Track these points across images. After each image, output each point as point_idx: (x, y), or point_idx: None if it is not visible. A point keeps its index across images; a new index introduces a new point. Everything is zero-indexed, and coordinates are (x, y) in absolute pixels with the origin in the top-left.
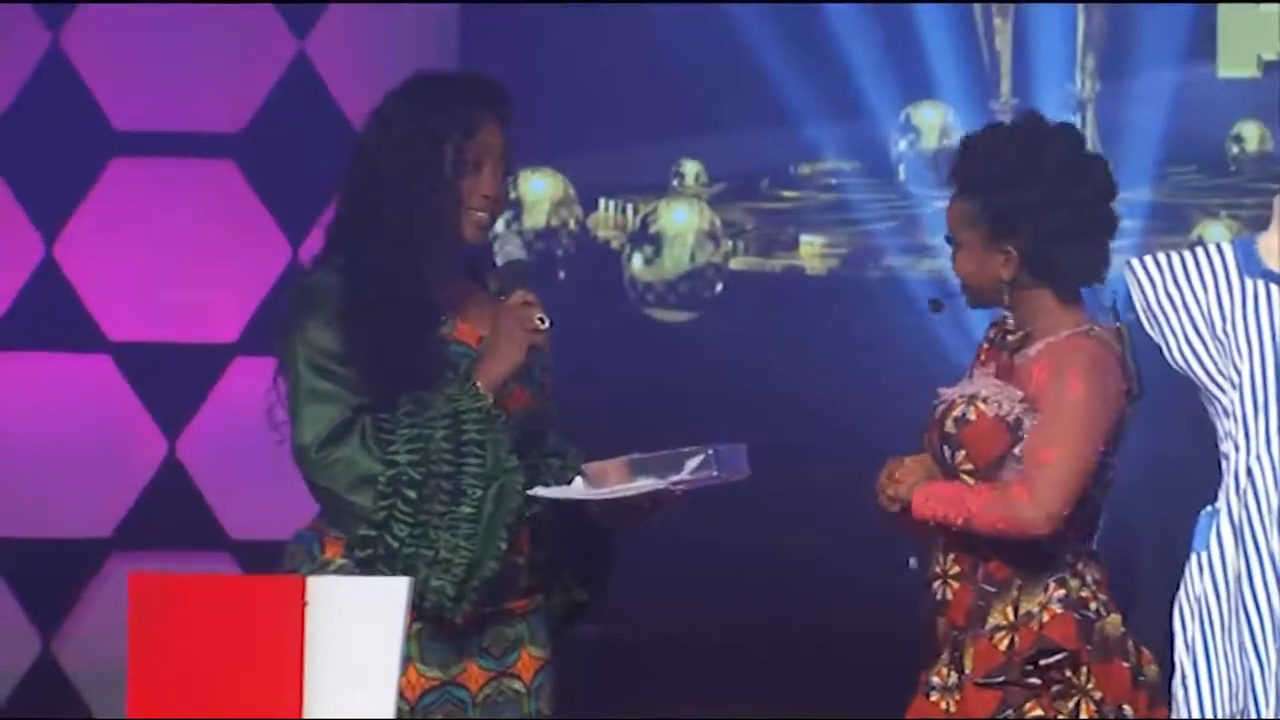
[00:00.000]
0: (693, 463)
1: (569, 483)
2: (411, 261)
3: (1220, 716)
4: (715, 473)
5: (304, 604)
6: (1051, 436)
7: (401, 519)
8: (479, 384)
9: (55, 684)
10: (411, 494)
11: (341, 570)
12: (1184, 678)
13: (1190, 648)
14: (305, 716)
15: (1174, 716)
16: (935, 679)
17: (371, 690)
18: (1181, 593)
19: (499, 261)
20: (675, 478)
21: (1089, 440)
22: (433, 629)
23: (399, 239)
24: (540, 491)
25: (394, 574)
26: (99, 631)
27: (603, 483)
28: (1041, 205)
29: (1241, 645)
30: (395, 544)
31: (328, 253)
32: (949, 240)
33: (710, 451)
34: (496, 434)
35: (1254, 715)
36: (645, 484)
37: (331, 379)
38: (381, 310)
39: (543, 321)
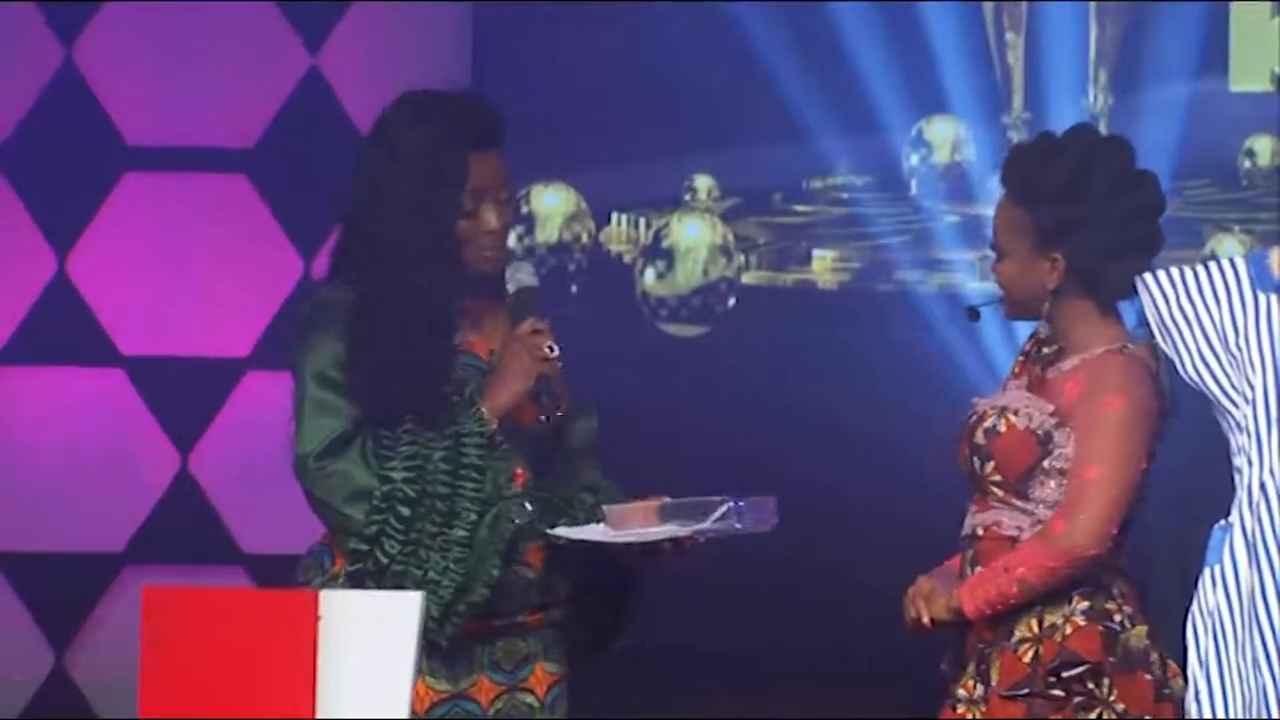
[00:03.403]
0: (716, 513)
1: (600, 519)
2: (424, 280)
3: None
4: (738, 525)
5: (317, 618)
6: (1094, 454)
7: (393, 535)
8: (483, 409)
9: (68, 697)
10: (405, 511)
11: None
12: (1197, 692)
13: (1204, 662)
14: None
15: None
16: (962, 691)
17: (384, 705)
18: (1195, 607)
19: (510, 289)
20: (697, 527)
21: (1132, 457)
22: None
23: (410, 262)
24: (561, 532)
25: (382, 590)
26: (112, 645)
27: (624, 526)
28: (1094, 216)
29: (1255, 660)
30: (385, 560)
31: (338, 268)
32: (994, 249)
33: (732, 504)
34: (498, 460)
35: None
36: (666, 531)
37: (336, 392)
38: (392, 326)
39: (551, 350)
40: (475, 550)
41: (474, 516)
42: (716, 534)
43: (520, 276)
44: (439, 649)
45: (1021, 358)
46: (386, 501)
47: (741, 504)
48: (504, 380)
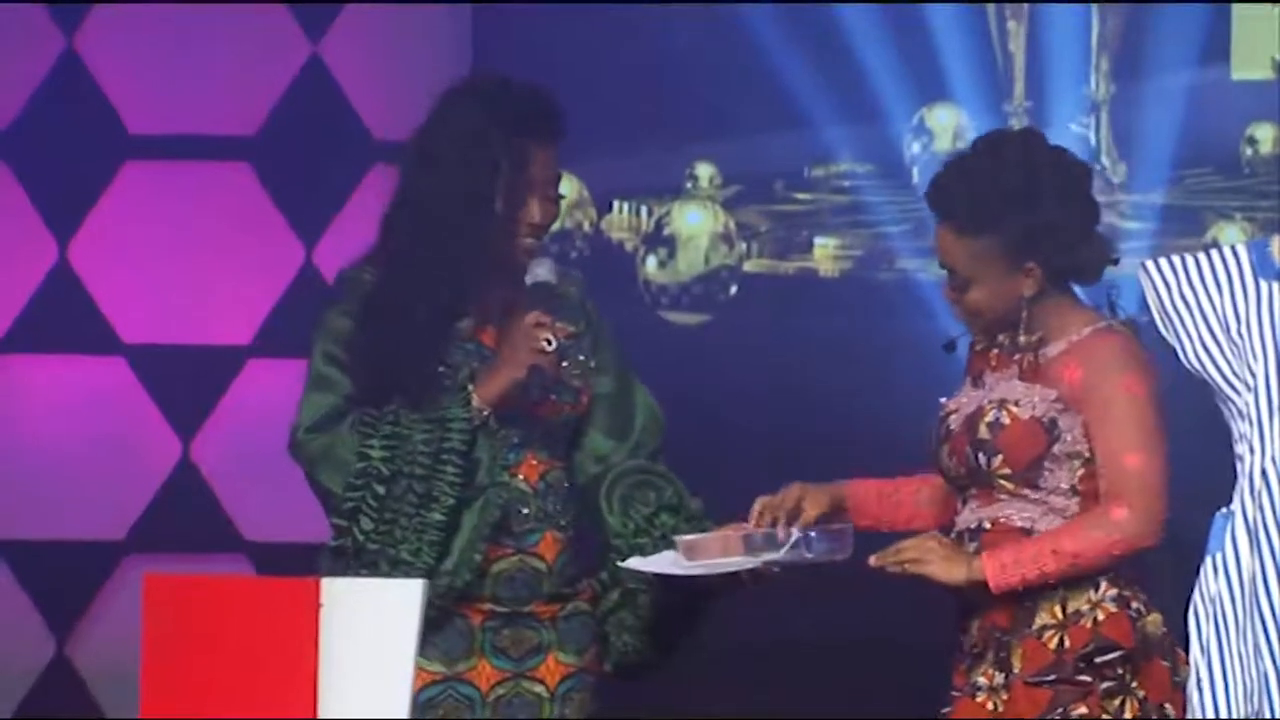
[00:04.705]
0: (788, 543)
1: (673, 544)
2: (449, 271)
3: (1235, 718)
4: (809, 554)
5: (319, 605)
6: (1129, 439)
7: (368, 513)
8: (473, 395)
9: (70, 686)
10: (380, 489)
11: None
12: (1199, 680)
13: (1205, 649)
14: (319, 717)
15: (1189, 718)
16: (981, 679)
17: (385, 691)
18: (1196, 594)
19: (528, 281)
20: (769, 557)
21: (1162, 436)
22: (436, 624)
23: (443, 248)
24: (633, 563)
25: (359, 567)
26: (113, 633)
27: (697, 556)
28: (1055, 215)
29: (1256, 647)
30: (361, 537)
31: (376, 248)
32: (951, 281)
33: (801, 535)
34: (496, 446)
35: (1270, 717)
36: (734, 563)
37: (339, 368)
38: (396, 307)
39: (549, 343)
40: (464, 537)
41: (452, 501)
42: (789, 563)
43: (539, 271)
44: (434, 630)
45: (996, 350)
46: (362, 478)
47: (813, 534)
48: (497, 368)
